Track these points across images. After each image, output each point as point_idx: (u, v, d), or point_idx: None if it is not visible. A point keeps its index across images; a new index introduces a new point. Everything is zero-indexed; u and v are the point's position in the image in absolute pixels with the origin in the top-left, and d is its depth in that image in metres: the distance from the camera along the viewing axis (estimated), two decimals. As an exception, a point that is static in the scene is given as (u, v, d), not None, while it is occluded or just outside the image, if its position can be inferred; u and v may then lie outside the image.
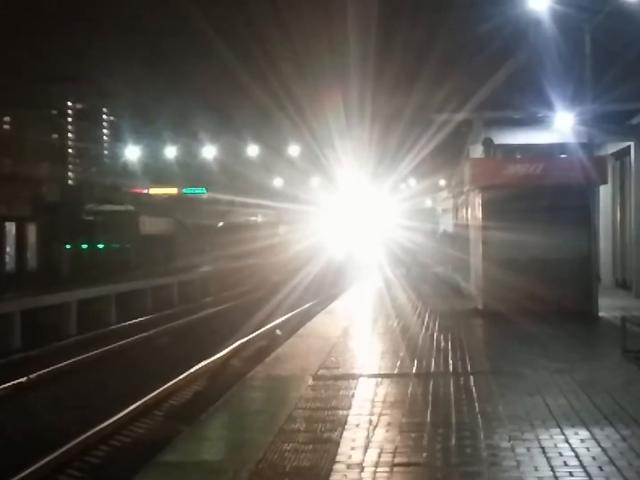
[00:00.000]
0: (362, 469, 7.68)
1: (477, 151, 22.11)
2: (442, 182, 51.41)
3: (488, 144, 21.67)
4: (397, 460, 7.97)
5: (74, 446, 12.57)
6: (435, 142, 27.48)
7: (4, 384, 17.89)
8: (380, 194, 58.62)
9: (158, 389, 16.64)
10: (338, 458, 8.04)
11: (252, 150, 55.15)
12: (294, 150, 55.70)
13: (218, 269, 48.71)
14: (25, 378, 18.53)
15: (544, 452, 8.22)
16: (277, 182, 67.40)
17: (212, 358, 20.53)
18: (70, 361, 20.86)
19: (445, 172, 42.36)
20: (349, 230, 52.57)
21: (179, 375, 18.04)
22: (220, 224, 63.03)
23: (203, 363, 19.77)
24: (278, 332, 25.28)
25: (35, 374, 18.93)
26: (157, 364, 20.75)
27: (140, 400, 15.56)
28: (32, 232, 38.19)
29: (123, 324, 30.12)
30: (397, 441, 8.67)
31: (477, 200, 21.43)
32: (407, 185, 66.68)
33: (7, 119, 75.81)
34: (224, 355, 21.32)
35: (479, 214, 21.30)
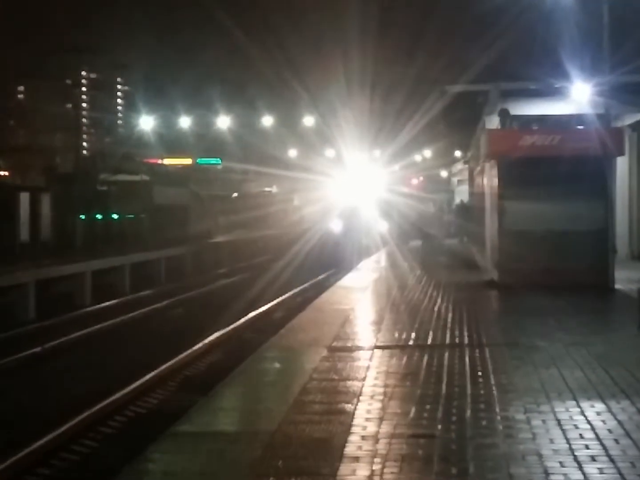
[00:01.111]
0: (377, 441, 7.64)
1: (494, 122, 21.95)
2: (458, 153, 51.26)
3: (504, 115, 21.49)
4: (411, 431, 7.93)
5: (87, 417, 12.60)
6: (450, 112, 27.36)
7: (20, 353, 17.98)
8: (393, 165, 58.49)
9: (172, 359, 16.68)
10: (352, 429, 8.01)
11: (266, 120, 54.99)
12: (307, 120, 55.32)
13: (232, 240, 48.72)
14: (39, 348, 18.62)
15: (559, 424, 8.17)
16: (289, 152, 67.04)
17: (226, 329, 20.55)
18: (84, 331, 20.94)
19: (461, 142, 42.15)
20: (362, 201, 49.80)
21: (192, 347, 18.06)
22: (235, 194, 62.92)
23: (217, 334, 19.80)
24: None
25: (49, 344, 19.01)
26: (170, 334, 20.80)
27: (154, 371, 15.59)
28: (46, 202, 38.21)
29: (137, 294, 30.19)
30: (412, 413, 8.64)
31: (493, 172, 21.32)
32: (422, 155, 66.46)
33: (21, 88, 75.66)
34: (237, 326, 21.34)
35: (495, 185, 21.19)
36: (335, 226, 45.05)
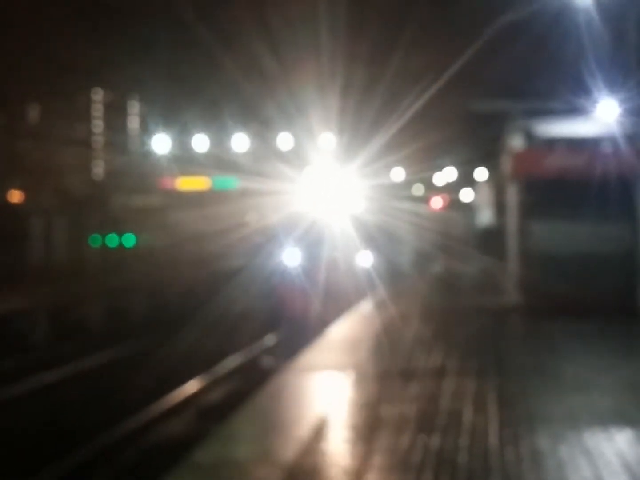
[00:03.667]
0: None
1: (517, 142, 21.67)
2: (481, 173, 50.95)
3: (527, 134, 21.25)
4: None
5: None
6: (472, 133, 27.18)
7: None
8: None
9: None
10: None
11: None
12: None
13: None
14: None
15: (587, 452, 7.92)
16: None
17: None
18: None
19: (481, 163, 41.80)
20: (336, 222, 30.69)
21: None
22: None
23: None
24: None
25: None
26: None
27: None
28: (59, 224, 38.08)
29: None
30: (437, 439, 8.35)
31: (517, 192, 21.00)
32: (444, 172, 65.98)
33: (34, 108, 75.95)
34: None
35: (518, 207, 20.89)
36: (292, 258, 28.19)
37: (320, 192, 31.30)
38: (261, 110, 46.19)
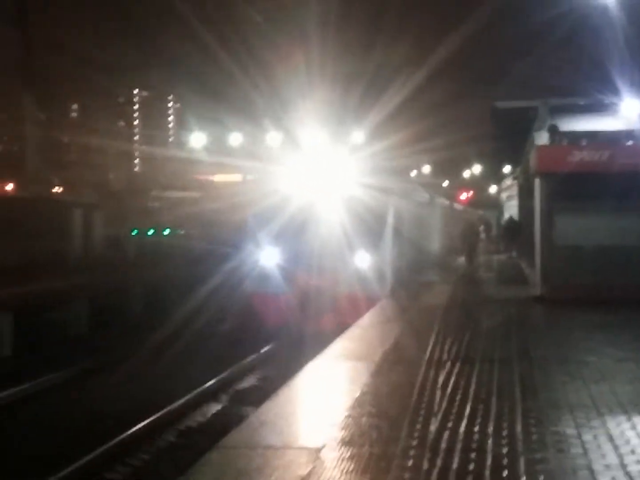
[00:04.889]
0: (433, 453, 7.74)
1: (543, 138, 21.96)
2: (507, 169, 51.04)
3: (553, 130, 21.51)
4: (463, 445, 8.00)
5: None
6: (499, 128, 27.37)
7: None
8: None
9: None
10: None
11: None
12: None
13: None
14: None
15: (611, 439, 8.18)
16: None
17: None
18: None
19: (508, 159, 41.21)
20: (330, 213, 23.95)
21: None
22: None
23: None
24: None
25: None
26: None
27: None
28: (98, 218, 38.71)
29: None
30: (462, 427, 8.69)
31: (543, 187, 21.32)
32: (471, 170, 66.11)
33: (75, 106, 76.88)
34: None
35: (544, 201, 21.21)
36: (271, 256, 23.15)
37: (314, 181, 24.55)
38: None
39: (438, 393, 10.34)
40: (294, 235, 22.60)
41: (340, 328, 16.69)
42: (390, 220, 25.36)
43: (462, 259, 37.86)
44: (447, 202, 47.62)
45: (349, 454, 7.77)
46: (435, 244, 39.49)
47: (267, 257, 23.13)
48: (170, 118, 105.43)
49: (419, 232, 32.55)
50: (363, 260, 23.37)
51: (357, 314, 18.74)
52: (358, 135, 46.63)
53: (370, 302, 20.77)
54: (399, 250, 26.30)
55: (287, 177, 24.87)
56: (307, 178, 24.56)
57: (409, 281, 26.55)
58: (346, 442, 8.16)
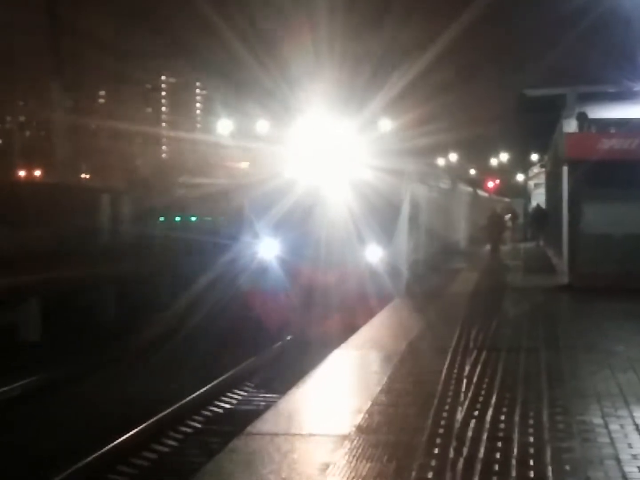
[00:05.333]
0: (463, 444, 7.76)
1: (572, 126, 21.88)
2: (534, 157, 50.86)
3: (582, 118, 21.43)
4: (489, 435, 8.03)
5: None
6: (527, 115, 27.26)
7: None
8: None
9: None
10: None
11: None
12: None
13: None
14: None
15: (638, 429, 8.16)
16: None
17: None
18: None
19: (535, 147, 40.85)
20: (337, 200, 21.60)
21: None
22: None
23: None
24: None
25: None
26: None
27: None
28: (126, 204, 38.88)
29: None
30: (489, 416, 8.69)
31: (571, 175, 21.26)
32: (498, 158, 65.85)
33: (102, 93, 77.28)
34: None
35: (573, 189, 21.16)
36: (271, 248, 20.86)
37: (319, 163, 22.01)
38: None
39: (464, 381, 10.33)
40: (296, 224, 20.12)
41: (347, 331, 15.06)
42: (406, 208, 22.77)
43: (487, 248, 37.44)
44: (470, 189, 46.24)
45: (374, 441, 7.78)
46: (459, 232, 38.48)
47: (266, 249, 20.73)
48: (198, 105, 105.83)
49: (441, 221, 30.71)
50: (374, 253, 20.91)
51: (366, 315, 16.73)
52: (383, 121, 46.20)
53: (383, 301, 18.66)
54: (416, 242, 24.18)
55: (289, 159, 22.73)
56: (311, 160, 22.17)
57: (427, 276, 24.35)
58: (372, 430, 8.17)
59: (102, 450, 11.28)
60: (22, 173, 66.29)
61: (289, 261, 20.15)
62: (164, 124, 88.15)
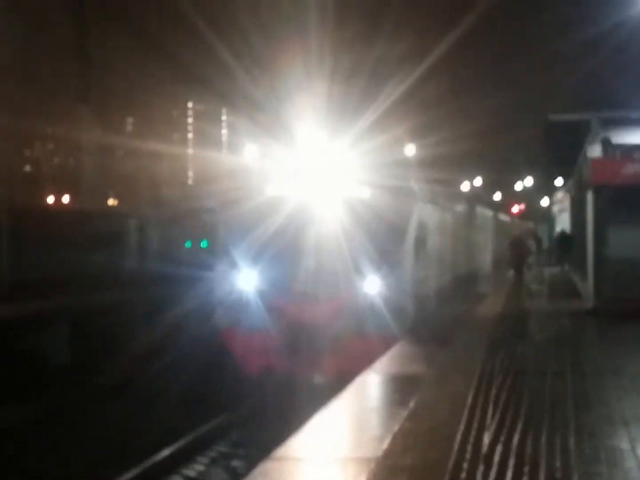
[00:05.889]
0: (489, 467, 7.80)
1: (596, 151, 21.94)
2: (559, 181, 50.78)
3: (606, 143, 21.49)
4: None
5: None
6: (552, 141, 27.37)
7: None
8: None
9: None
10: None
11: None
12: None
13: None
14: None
15: None
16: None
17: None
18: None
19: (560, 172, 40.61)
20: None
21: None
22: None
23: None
24: None
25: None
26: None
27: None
28: (153, 230, 39.08)
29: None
30: (515, 440, 8.71)
31: (596, 200, 21.29)
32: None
33: (130, 120, 77.90)
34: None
35: (597, 214, 21.18)
36: (250, 279, 18.15)
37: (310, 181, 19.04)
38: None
39: (491, 406, 10.33)
40: (281, 251, 17.66)
41: (340, 380, 12.98)
42: (412, 232, 19.69)
43: (511, 272, 36.96)
44: (491, 213, 44.17)
45: (401, 465, 7.83)
46: (480, 258, 36.86)
47: (244, 281, 17.98)
48: (224, 132, 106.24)
49: (457, 247, 27.82)
50: (374, 285, 17.95)
51: (362, 363, 13.73)
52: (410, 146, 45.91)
53: (383, 344, 15.71)
54: (424, 272, 20.82)
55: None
56: (301, 177, 19.21)
57: (438, 312, 21.36)
58: (398, 454, 8.23)
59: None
60: (50, 199, 66.85)
61: (270, 294, 17.55)
62: (190, 150, 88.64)
